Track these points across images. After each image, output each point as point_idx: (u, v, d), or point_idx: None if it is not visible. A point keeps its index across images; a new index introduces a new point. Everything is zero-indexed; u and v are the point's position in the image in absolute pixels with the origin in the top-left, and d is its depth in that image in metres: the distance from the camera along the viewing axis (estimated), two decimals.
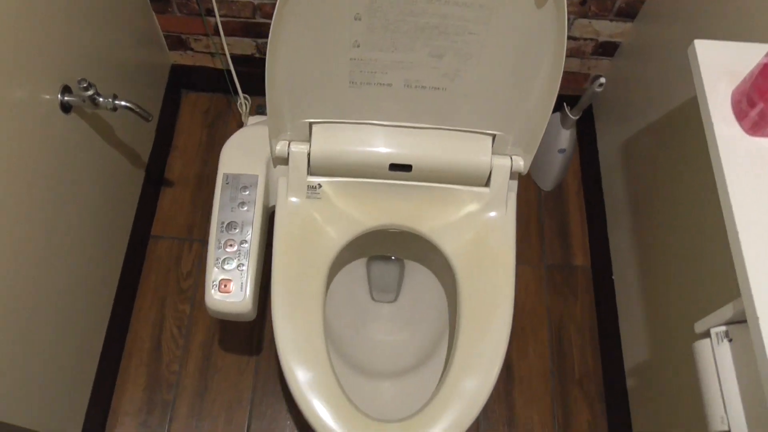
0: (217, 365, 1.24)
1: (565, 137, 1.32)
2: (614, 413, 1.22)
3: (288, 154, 0.91)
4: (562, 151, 1.34)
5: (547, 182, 1.42)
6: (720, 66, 0.79)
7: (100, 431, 1.16)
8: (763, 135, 0.75)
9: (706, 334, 0.75)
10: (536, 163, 1.43)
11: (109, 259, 1.19)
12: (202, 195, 1.39)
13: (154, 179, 1.36)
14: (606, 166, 1.36)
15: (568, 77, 1.36)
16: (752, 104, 0.74)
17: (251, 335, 1.27)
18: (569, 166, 1.42)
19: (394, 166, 0.92)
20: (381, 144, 0.91)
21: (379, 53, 0.80)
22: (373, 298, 1.17)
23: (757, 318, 0.65)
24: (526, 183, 1.46)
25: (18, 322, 0.88)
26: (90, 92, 0.89)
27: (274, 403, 1.21)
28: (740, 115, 0.76)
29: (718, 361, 0.73)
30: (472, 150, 0.91)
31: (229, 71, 1.36)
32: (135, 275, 1.29)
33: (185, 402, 1.20)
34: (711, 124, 0.76)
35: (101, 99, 0.91)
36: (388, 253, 1.14)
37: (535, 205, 1.43)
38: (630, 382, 1.18)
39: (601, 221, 1.35)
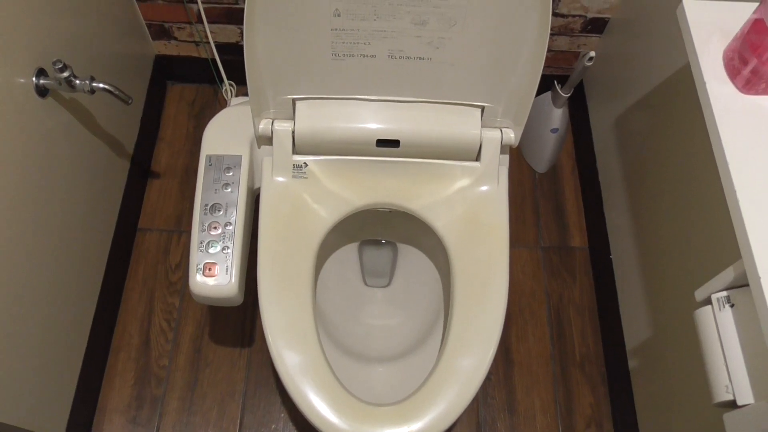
0: (208, 358, 1.21)
1: (557, 116, 1.30)
2: (617, 395, 1.19)
3: (272, 132, 0.89)
4: (554, 130, 1.32)
5: (541, 163, 1.40)
6: (710, 25, 0.77)
7: (86, 428, 1.13)
8: (757, 93, 0.73)
9: (707, 302, 0.73)
10: (529, 144, 1.41)
11: (94, 252, 1.16)
12: (190, 186, 1.36)
13: (140, 171, 1.34)
14: (600, 144, 1.34)
15: (558, 56, 1.34)
16: (745, 61, 0.71)
17: (242, 327, 1.24)
18: (563, 146, 1.40)
19: (382, 142, 0.89)
20: (367, 119, 0.88)
21: (360, 22, 0.78)
22: (366, 284, 1.14)
23: (758, 278, 0.63)
24: (520, 165, 1.43)
25: None
26: (66, 74, 0.86)
27: (267, 395, 1.18)
28: (733, 73, 0.73)
29: (720, 328, 0.70)
30: (461, 123, 0.88)
31: (213, 60, 1.34)
32: (121, 268, 1.26)
33: (176, 396, 1.17)
34: (704, 84, 0.74)
35: (78, 81, 0.88)
36: (379, 236, 1.11)
37: (530, 187, 1.41)
38: (632, 363, 1.16)
39: (597, 200, 1.32)
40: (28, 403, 0.95)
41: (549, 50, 1.32)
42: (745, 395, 0.65)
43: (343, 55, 0.82)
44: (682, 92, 0.98)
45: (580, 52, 1.34)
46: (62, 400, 1.06)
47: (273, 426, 1.16)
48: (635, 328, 1.14)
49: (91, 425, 1.14)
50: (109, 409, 1.16)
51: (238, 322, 1.24)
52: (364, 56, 0.82)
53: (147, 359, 1.20)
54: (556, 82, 1.26)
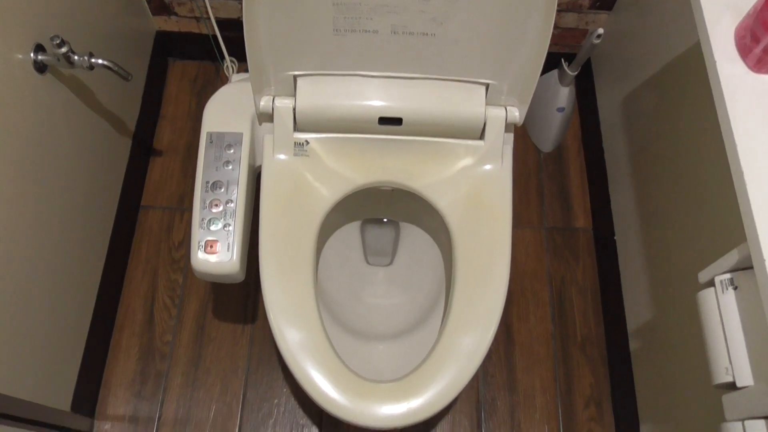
0: (211, 335, 1.21)
1: (564, 95, 1.28)
2: (617, 376, 1.19)
3: (273, 109, 0.88)
4: (561, 109, 1.30)
5: (547, 143, 1.38)
6: (722, 2, 0.75)
7: (92, 402, 1.14)
8: None
9: (711, 284, 0.72)
10: (535, 123, 1.39)
11: (97, 230, 1.16)
12: (192, 164, 1.35)
13: (142, 149, 1.33)
14: (606, 125, 1.32)
15: (566, 33, 1.32)
16: (757, 39, 0.70)
17: (245, 304, 1.24)
18: (569, 125, 1.38)
19: (384, 120, 0.88)
20: (370, 96, 0.87)
21: None
22: (368, 263, 1.14)
23: (763, 260, 0.62)
24: (525, 144, 1.42)
25: (3, 295, 0.86)
26: (64, 49, 0.85)
27: (270, 371, 1.19)
28: (744, 51, 0.72)
29: (722, 311, 0.70)
30: (465, 100, 0.87)
31: (214, 36, 1.32)
32: (124, 246, 1.26)
33: (179, 372, 1.18)
34: (714, 62, 0.72)
35: (76, 57, 0.87)
36: (381, 215, 1.11)
37: (535, 167, 1.40)
38: (633, 344, 1.16)
39: (603, 181, 1.31)
40: (34, 378, 0.96)
41: (556, 27, 1.30)
42: (744, 377, 0.65)
43: (345, 30, 0.80)
44: (692, 71, 0.97)
45: (588, 30, 1.31)
46: (68, 375, 1.07)
47: (275, 401, 1.17)
48: (637, 311, 1.14)
49: (96, 399, 1.15)
50: (114, 384, 1.17)
51: (241, 299, 1.25)
52: (366, 32, 0.80)
53: (151, 335, 1.21)
54: (563, 60, 1.24)
